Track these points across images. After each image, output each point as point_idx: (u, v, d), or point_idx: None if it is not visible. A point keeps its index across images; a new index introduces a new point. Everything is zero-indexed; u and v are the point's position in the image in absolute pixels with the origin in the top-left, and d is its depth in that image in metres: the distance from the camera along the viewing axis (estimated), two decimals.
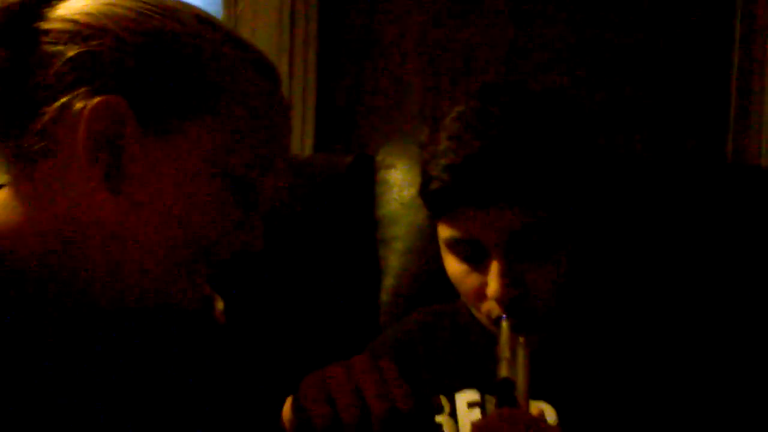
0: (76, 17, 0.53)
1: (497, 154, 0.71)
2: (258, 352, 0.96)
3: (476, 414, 0.78)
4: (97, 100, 0.50)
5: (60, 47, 0.51)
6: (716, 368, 0.78)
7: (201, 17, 0.56)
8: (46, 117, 0.51)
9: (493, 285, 0.73)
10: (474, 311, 0.80)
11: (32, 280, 0.52)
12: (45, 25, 0.52)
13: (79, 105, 0.50)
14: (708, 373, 0.77)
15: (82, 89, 0.51)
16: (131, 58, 0.52)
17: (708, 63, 1.49)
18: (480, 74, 1.54)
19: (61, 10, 0.53)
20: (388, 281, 1.06)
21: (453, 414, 0.79)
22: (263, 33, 1.48)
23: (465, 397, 0.80)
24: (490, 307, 0.75)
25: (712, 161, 1.39)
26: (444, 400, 0.80)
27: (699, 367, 0.77)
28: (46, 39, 0.52)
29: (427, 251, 1.01)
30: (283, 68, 1.47)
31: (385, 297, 1.05)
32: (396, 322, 0.94)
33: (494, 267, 0.73)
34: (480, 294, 0.76)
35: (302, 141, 1.50)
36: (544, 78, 1.50)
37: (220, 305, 0.66)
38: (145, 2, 0.55)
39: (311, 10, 1.52)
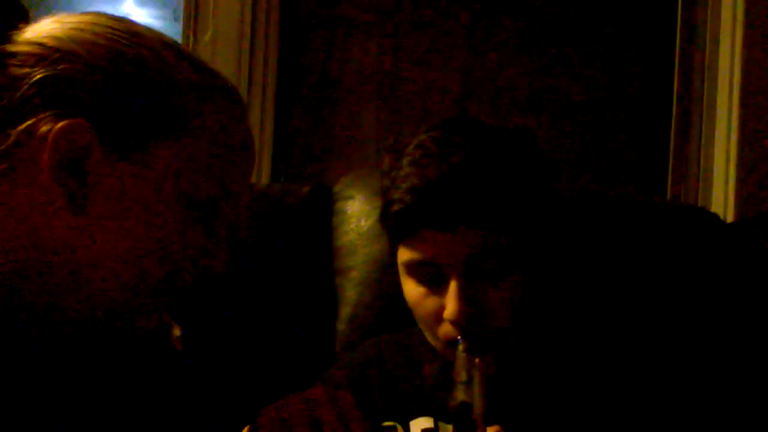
0: (44, 41, 0.53)
1: (459, 177, 0.75)
2: (214, 381, 0.95)
3: None
4: (61, 123, 0.50)
5: (26, 70, 0.51)
6: (673, 394, 0.81)
7: (168, 43, 0.57)
8: (11, 139, 0.51)
9: (450, 306, 0.75)
10: (429, 337, 0.81)
11: None
12: (12, 48, 0.53)
13: (44, 128, 0.50)
14: (665, 400, 0.80)
15: (48, 113, 0.51)
16: (98, 82, 0.52)
17: (650, 112, 1.57)
18: (435, 110, 1.58)
19: (29, 34, 0.54)
20: (345, 310, 1.07)
21: None
22: (222, 62, 1.50)
23: (419, 425, 0.81)
24: (447, 330, 0.77)
25: (653, 199, 1.45)
26: (399, 429, 0.81)
27: (656, 393, 0.80)
28: (14, 62, 0.52)
29: (383, 281, 1.03)
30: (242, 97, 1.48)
31: (341, 326, 1.06)
32: (350, 351, 0.95)
33: (452, 288, 0.75)
34: (437, 317, 0.77)
35: (259, 170, 1.51)
36: (496, 118, 1.55)
37: (177, 332, 0.66)
38: (112, 27, 0.55)
39: (271, 42, 1.54)
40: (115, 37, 0.54)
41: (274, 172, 1.55)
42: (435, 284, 0.77)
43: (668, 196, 1.51)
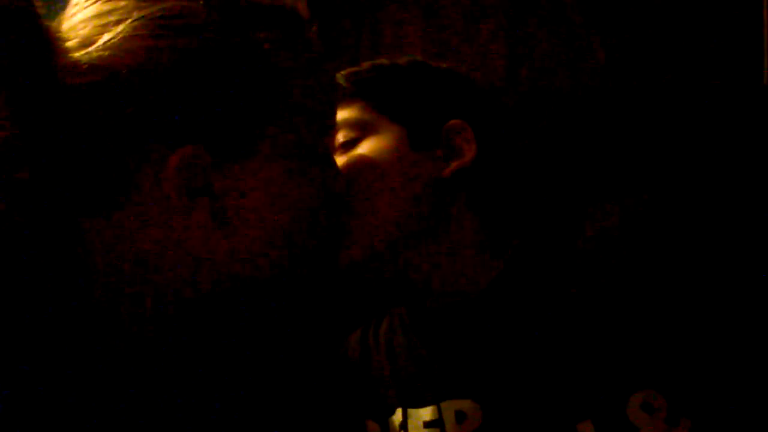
0: (109, 63, 0.47)
1: None
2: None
3: None
4: (173, 158, 0.48)
5: (106, 101, 0.47)
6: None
7: (225, 7, 0.51)
8: (124, 173, 0.49)
9: None
10: None
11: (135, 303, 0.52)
12: (76, 79, 0.46)
13: (155, 162, 0.48)
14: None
15: (151, 144, 0.48)
16: (184, 97, 0.48)
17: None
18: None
19: (79, 53, 0.47)
20: None
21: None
22: None
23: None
24: None
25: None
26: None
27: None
28: (87, 95, 0.47)
29: None
30: None
31: None
32: None
33: None
34: None
35: None
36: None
37: None
38: (162, 18, 0.49)
39: None
40: (175, 32, 0.49)
41: None
42: None
43: (765, 81, 1.32)
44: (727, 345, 0.60)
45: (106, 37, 0.48)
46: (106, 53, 0.47)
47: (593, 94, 0.98)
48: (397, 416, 0.70)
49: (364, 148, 0.68)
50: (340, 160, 0.68)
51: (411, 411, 0.69)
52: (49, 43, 0.47)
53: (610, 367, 0.61)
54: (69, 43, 0.48)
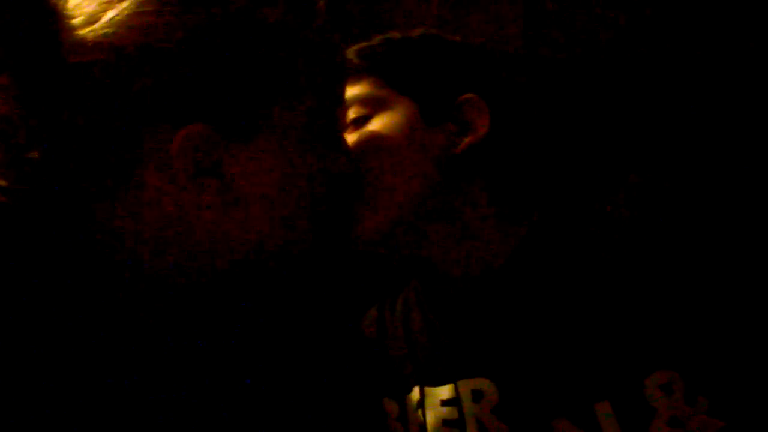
0: (113, 40, 0.47)
1: None
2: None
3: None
4: (179, 136, 0.48)
5: (108, 80, 0.46)
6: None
7: None
8: (135, 146, 0.48)
9: None
10: None
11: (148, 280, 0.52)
12: (81, 57, 0.46)
13: (161, 142, 0.48)
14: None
15: (158, 123, 0.48)
16: (192, 75, 0.47)
17: None
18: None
19: (85, 30, 0.47)
20: None
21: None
22: None
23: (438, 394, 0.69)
24: None
25: None
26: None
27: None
28: (93, 73, 0.46)
29: None
30: None
31: None
32: None
33: None
34: None
35: None
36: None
37: None
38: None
39: None
40: (179, 9, 0.48)
41: None
42: None
43: None
44: (744, 324, 0.59)
45: (110, 14, 0.47)
46: (111, 30, 0.47)
47: (611, 65, 0.96)
48: (415, 394, 0.69)
49: (376, 124, 0.67)
50: (352, 137, 0.67)
51: (428, 389, 0.69)
52: (55, 21, 0.46)
53: (627, 347, 0.61)
54: (74, 21, 0.47)
